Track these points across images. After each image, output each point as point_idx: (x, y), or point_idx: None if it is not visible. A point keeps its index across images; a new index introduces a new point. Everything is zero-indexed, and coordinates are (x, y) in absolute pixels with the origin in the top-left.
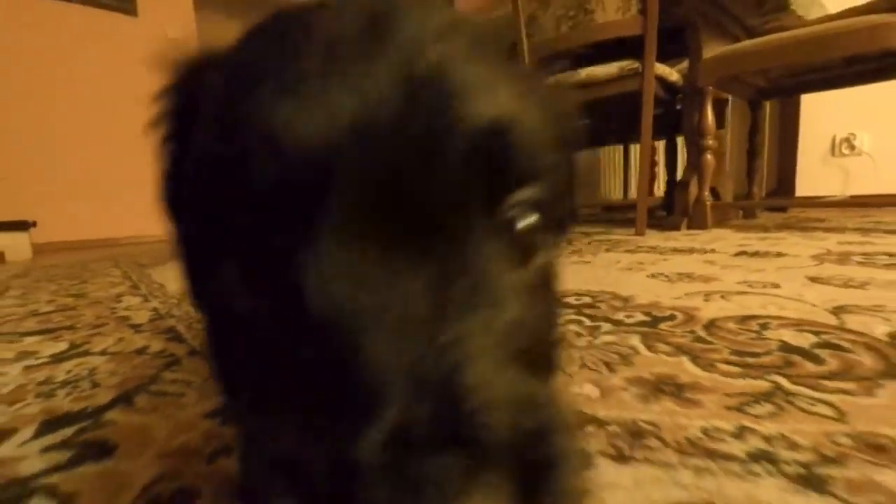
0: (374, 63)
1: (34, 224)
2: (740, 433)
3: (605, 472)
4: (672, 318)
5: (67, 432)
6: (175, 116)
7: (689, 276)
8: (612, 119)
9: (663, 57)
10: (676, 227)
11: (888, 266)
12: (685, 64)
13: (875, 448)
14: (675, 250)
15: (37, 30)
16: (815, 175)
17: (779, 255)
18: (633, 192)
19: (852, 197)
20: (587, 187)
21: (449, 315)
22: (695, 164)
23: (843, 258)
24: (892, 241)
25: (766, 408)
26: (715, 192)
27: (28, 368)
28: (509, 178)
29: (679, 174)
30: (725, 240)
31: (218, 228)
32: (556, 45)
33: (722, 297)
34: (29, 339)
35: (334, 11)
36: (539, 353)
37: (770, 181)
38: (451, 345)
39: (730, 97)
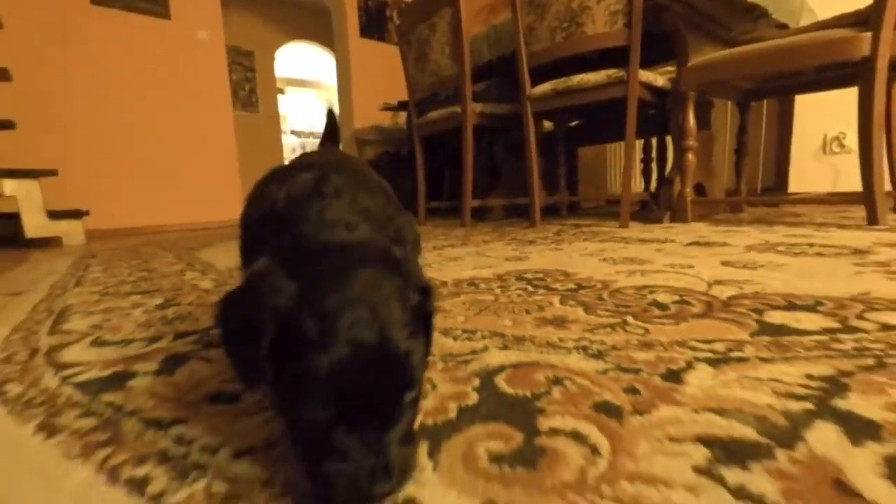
0: (366, 342)
1: (87, 213)
2: (578, 339)
3: (495, 354)
4: (592, 287)
5: (192, 337)
6: (276, 337)
7: (631, 260)
8: (616, 118)
9: (655, 60)
10: (659, 221)
11: (797, 254)
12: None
13: (646, 344)
14: (640, 240)
15: (85, 33)
16: (807, 172)
17: (723, 244)
18: (636, 186)
19: (822, 194)
20: (593, 182)
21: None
22: (679, 163)
23: (769, 248)
24: (833, 235)
25: (607, 330)
26: (702, 188)
27: (146, 311)
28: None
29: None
30: (692, 232)
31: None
32: (552, 54)
33: (641, 274)
34: (133, 297)
35: (355, 308)
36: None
37: (767, 177)
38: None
39: (715, 100)
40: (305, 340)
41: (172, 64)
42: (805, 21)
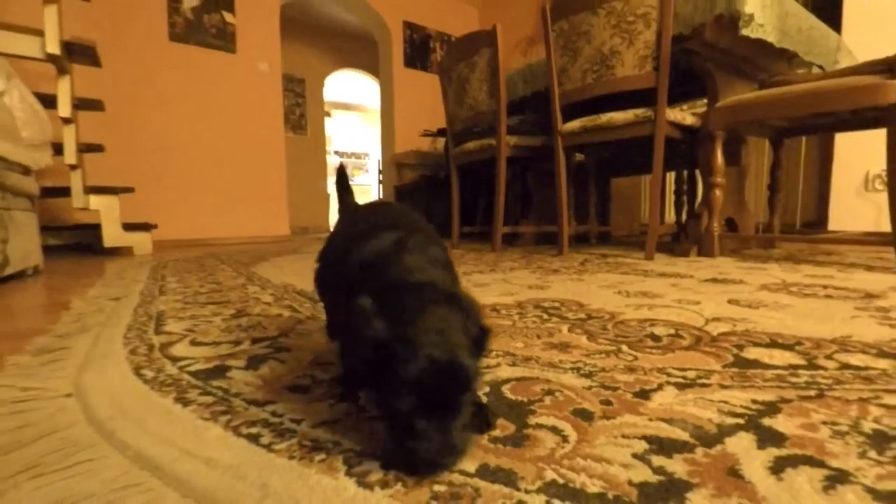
0: (438, 359)
1: (156, 226)
2: (576, 362)
3: (505, 370)
4: (600, 317)
5: (266, 342)
6: (375, 355)
7: (644, 294)
8: (645, 153)
9: (687, 95)
10: (686, 254)
11: (806, 295)
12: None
13: (630, 369)
14: (660, 274)
15: (163, 67)
16: (849, 209)
17: (739, 282)
18: (668, 218)
19: (852, 233)
20: (626, 212)
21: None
22: (706, 199)
23: (782, 287)
24: (854, 277)
25: (601, 356)
26: (733, 223)
27: (224, 319)
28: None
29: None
30: (714, 268)
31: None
32: (582, 94)
33: (648, 308)
34: (210, 306)
35: (429, 335)
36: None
37: (807, 213)
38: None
39: (748, 136)
40: (398, 358)
41: (235, 93)
42: (843, 61)
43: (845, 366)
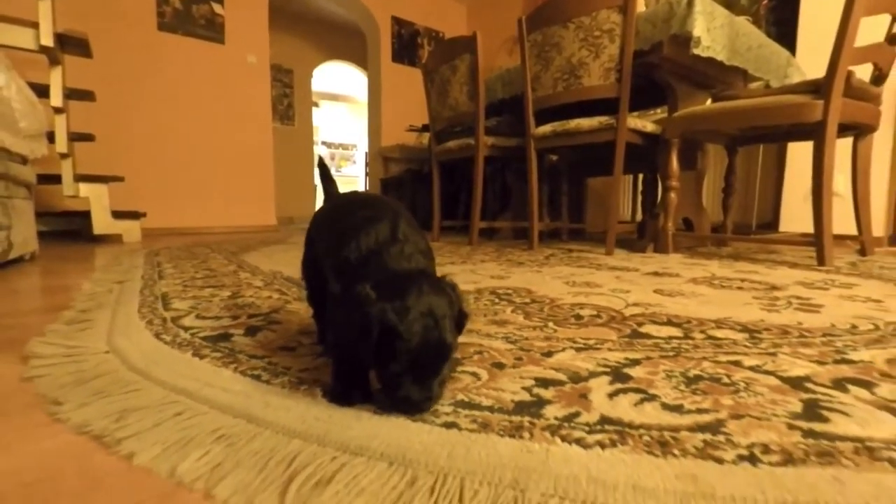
0: (433, 332)
1: (145, 214)
2: (507, 333)
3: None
4: (541, 302)
5: (259, 317)
6: (380, 335)
7: (587, 284)
8: (611, 156)
9: (653, 104)
10: (643, 251)
11: (722, 287)
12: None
13: (548, 338)
14: (611, 267)
15: (151, 56)
16: (798, 212)
17: (675, 275)
18: (637, 215)
19: (782, 234)
20: (602, 210)
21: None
22: (662, 200)
23: (707, 281)
24: (774, 273)
25: (530, 329)
26: (691, 223)
27: (221, 300)
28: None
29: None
30: (661, 263)
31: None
32: (553, 100)
33: (585, 295)
34: (208, 289)
35: (425, 318)
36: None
37: (763, 215)
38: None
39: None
40: (399, 336)
41: (223, 83)
42: (794, 77)
43: (710, 337)
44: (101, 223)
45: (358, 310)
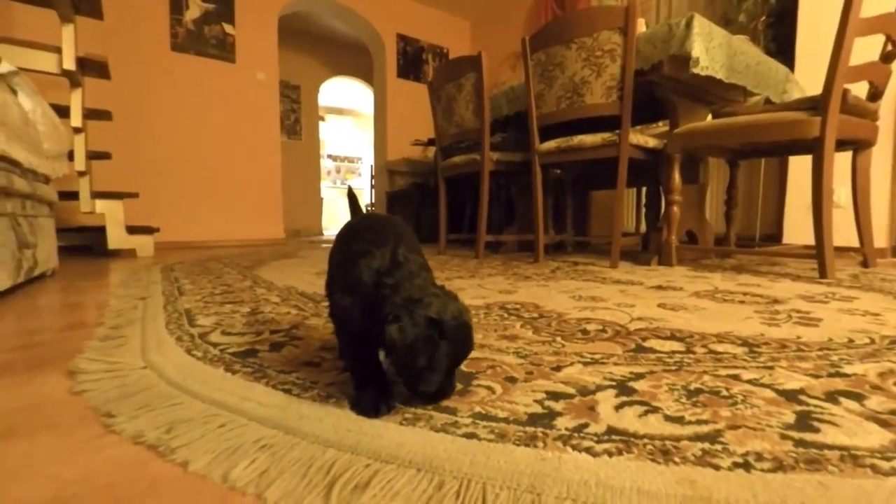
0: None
1: (158, 230)
2: (518, 348)
3: None
4: (549, 316)
5: (281, 333)
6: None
7: (593, 298)
8: (614, 171)
9: (656, 118)
10: (648, 264)
11: (724, 301)
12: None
13: (556, 353)
14: (616, 281)
15: (165, 75)
16: (801, 224)
17: (679, 289)
18: (641, 226)
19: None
20: (607, 221)
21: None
22: (665, 214)
23: (710, 294)
24: (777, 286)
25: (539, 344)
26: (694, 235)
27: (243, 315)
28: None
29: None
30: (665, 276)
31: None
32: (556, 118)
33: (591, 310)
34: (228, 305)
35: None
36: None
37: (767, 226)
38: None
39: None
40: (443, 340)
41: (233, 100)
42: (792, 92)
43: (711, 351)
44: (116, 238)
45: (422, 328)
